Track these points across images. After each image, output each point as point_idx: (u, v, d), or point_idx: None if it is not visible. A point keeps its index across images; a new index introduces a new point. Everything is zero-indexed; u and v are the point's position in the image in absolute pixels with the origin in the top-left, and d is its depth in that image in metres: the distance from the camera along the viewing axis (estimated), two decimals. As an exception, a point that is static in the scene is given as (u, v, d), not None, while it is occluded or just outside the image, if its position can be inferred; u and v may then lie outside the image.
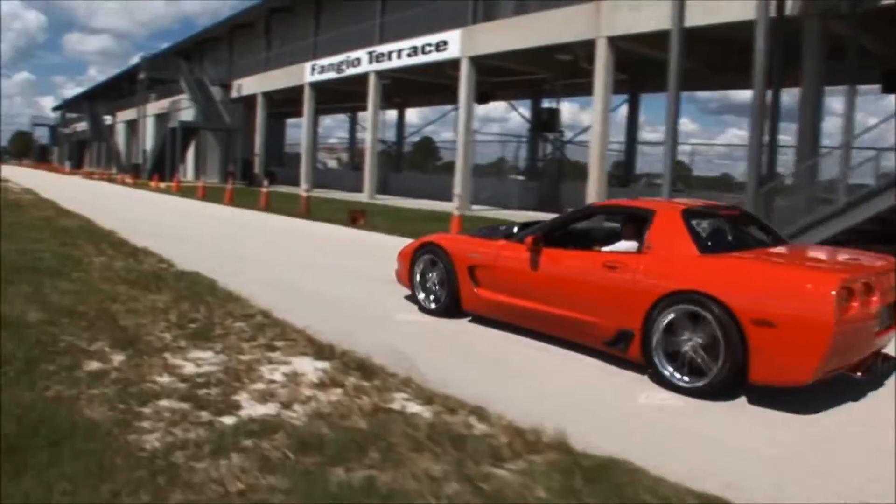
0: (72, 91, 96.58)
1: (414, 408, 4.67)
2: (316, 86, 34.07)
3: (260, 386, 4.99)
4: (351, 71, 31.07)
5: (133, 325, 6.46)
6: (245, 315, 6.97)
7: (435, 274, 7.61)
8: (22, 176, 52.86)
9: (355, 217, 17.60)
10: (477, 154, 28.51)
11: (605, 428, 4.54)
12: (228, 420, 4.32)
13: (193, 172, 45.87)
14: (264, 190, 23.75)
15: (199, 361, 5.50)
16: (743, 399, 5.15)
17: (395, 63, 28.44)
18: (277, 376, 5.20)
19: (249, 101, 41.08)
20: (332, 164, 58.14)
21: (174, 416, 4.32)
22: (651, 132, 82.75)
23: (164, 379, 5.07)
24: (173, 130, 42.62)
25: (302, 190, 21.97)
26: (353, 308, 7.97)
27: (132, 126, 58.54)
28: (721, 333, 5.01)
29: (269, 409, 4.56)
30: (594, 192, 19.69)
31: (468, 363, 5.99)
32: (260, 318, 6.88)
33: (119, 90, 67.75)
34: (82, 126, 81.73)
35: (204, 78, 44.90)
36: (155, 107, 53.41)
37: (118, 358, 5.50)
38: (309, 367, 5.41)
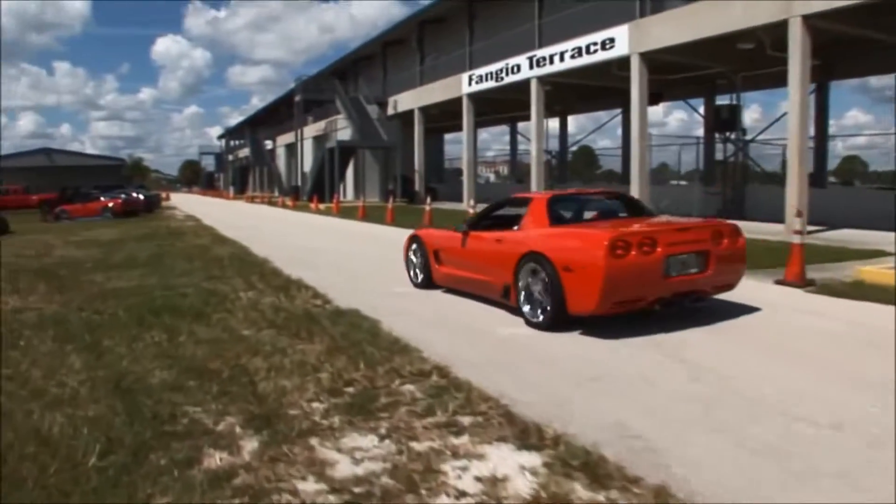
0: (236, 120, 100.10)
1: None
2: (474, 97, 32.65)
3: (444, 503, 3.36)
4: (511, 78, 29.37)
5: (274, 390, 5.03)
6: (416, 373, 5.38)
7: (418, 259, 10.03)
8: (188, 203, 54.64)
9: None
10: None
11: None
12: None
13: (353, 192, 45.62)
14: (427, 208, 22.36)
15: (358, 453, 3.95)
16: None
17: (557, 67, 26.52)
18: (468, 483, 3.55)
19: (406, 117, 40.26)
20: (491, 177, 56.91)
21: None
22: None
23: (309, 486, 3.58)
24: (331, 151, 42.32)
25: (468, 206, 20.06)
26: (569, 364, 6.13)
27: (291, 149, 59.25)
28: (548, 279, 6.90)
29: (463, 553, 2.95)
30: (794, 195, 17.07)
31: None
32: (436, 377, 5.28)
33: (278, 115, 69.24)
34: (245, 152, 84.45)
35: (359, 96, 44.57)
36: (312, 129, 53.78)
37: (250, 446, 4.08)
38: (512, 465, 3.73)
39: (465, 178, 33.91)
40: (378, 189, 44.44)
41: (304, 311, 7.93)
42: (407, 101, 39.91)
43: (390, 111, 42.24)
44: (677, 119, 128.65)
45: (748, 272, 8.26)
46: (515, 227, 8.11)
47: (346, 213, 30.35)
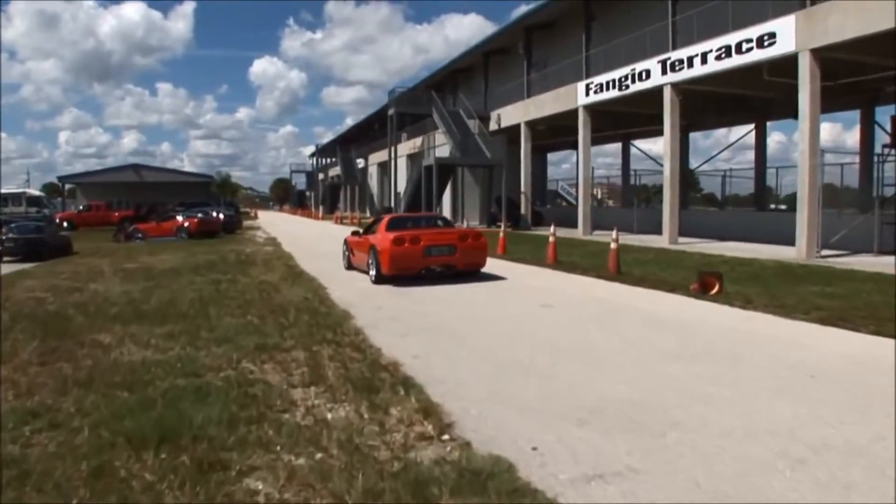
0: (329, 140, 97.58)
1: None
2: (591, 108, 28.68)
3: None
4: (638, 86, 25.21)
5: None
6: None
7: (345, 253, 17.06)
8: (275, 222, 51.98)
9: (707, 282, 11.31)
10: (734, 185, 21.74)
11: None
12: None
13: (450, 214, 41.91)
14: (551, 238, 17.93)
15: None
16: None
17: (696, 71, 22.23)
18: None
19: (510, 132, 36.41)
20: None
21: None
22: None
23: None
24: (427, 169, 38.23)
25: (610, 239, 15.30)
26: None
27: (384, 168, 56.02)
28: (373, 256, 13.87)
29: None
30: None
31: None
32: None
33: (371, 133, 66.48)
34: (336, 170, 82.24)
35: (459, 110, 40.70)
36: (408, 146, 50.30)
37: None
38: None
39: (580, 201, 29.92)
40: (478, 211, 40.78)
41: (405, 460, 4.08)
42: (512, 114, 36.14)
43: (493, 126, 38.32)
44: (775, 141, 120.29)
45: None
46: (374, 233, 14.98)
47: (444, 238, 26.77)
